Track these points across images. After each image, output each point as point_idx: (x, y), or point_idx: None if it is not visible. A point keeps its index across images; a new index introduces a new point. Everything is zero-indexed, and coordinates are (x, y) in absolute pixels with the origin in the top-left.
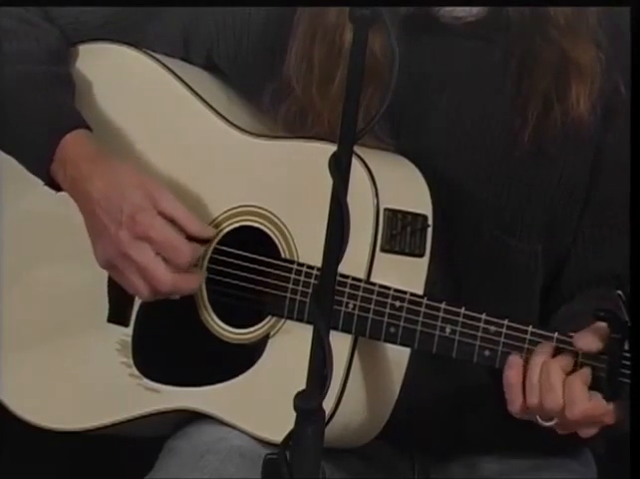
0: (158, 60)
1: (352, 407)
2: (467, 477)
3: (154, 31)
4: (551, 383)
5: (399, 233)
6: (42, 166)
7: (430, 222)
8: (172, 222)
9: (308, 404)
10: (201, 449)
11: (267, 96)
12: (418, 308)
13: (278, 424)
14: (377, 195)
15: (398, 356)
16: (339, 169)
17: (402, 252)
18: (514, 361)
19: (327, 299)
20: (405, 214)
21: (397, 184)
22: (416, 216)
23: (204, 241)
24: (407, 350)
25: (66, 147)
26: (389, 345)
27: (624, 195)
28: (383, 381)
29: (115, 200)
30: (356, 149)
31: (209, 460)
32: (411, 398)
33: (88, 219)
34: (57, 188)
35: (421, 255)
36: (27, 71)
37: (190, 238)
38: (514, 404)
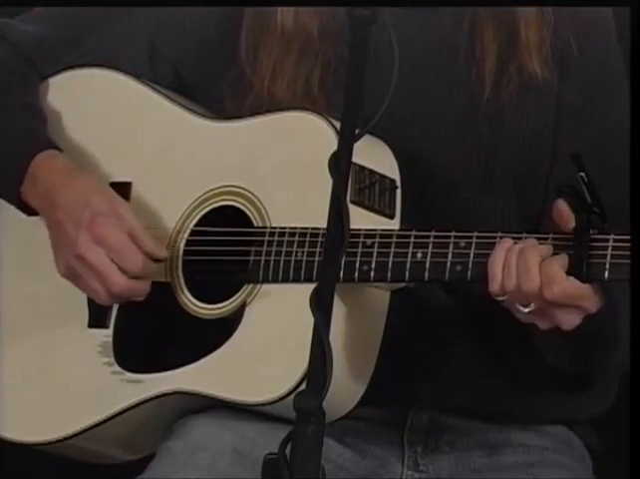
0: (126, 73)
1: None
2: (456, 472)
3: (121, 49)
4: (528, 267)
5: (367, 186)
6: (11, 188)
7: (398, 184)
8: (130, 236)
9: (308, 404)
10: (193, 447)
11: (229, 101)
12: (389, 240)
13: (266, 385)
14: None
15: (378, 302)
16: (339, 169)
17: (372, 209)
18: (504, 242)
19: (327, 299)
20: (372, 172)
21: (365, 149)
22: (384, 177)
23: (157, 260)
24: (386, 298)
25: (37, 164)
26: (368, 294)
27: (589, 147)
28: (365, 329)
29: (79, 204)
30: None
31: (201, 457)
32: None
33: (51, 228)
34: (26, 210)
35: (391, 217)
36: None
37: (145, 254)
38: (494, 282)
